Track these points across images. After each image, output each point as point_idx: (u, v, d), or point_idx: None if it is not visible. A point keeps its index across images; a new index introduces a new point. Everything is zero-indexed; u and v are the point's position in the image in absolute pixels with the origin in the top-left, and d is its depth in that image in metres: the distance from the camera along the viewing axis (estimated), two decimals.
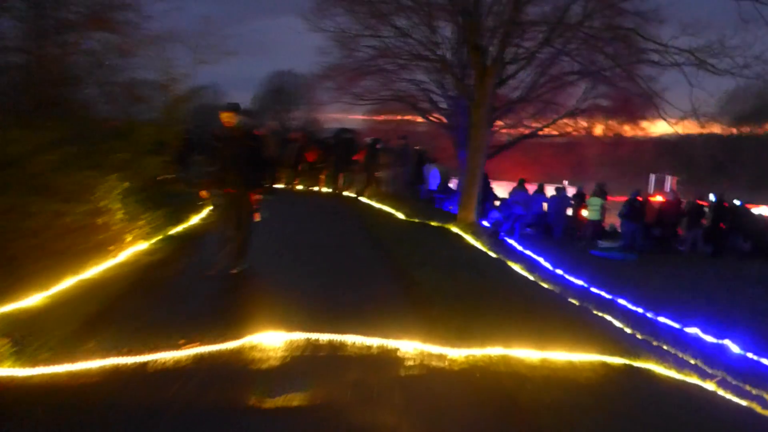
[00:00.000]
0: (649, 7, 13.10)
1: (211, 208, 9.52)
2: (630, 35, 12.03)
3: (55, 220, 6.96)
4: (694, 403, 4.13)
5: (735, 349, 6.92)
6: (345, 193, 15.99)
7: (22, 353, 4.15)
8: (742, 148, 45.80)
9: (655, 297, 9.65)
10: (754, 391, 4.78)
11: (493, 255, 9.58)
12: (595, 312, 6.99)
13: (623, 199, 18.27)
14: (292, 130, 23.02)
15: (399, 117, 23.09)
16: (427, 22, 17.43)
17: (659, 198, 18.01)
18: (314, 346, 4.61)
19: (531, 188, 17.74)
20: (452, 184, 18.79)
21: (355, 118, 25.15)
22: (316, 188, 16.55)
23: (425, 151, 19.22)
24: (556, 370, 4.26)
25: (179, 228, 9.41)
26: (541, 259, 11.12)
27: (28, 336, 4.46)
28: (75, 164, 7.86)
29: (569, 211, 17.03)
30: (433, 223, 11.70)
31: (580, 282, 9.57)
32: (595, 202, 16.32)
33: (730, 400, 4.31)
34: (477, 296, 6.39)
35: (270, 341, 4.65)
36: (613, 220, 17.61)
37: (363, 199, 15.15)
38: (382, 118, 25.10)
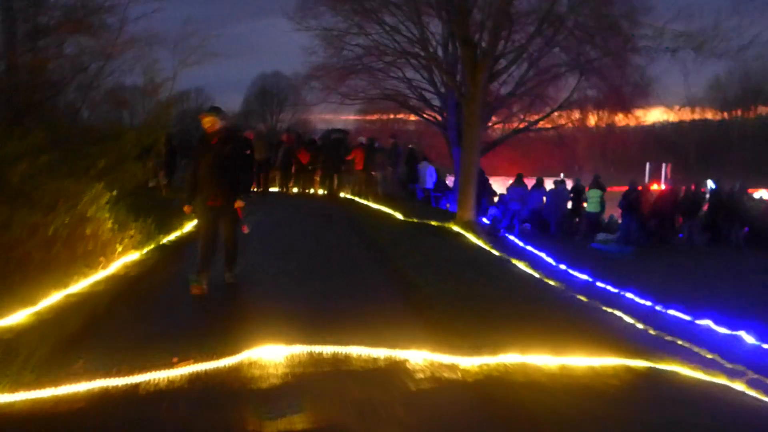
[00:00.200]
0: None
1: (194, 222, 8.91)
2: (620, 23, 11.83)
3: (37, 231, 6.65)
4: (724, 407, 3.86)
5: (750, 340, 6.70)
6: (340, 195, 15.70)
7: (3, 377, 3.85)
8: (729, 134, 46.02)
9: (660, 289, 9.40)
10: None
11: (496, 253, 9.32)
12: (604, 309, 6.72)
13: (619, 189, 18.13)
14: (283, 132, 22.69)
15: (391, 116, 22.80)
16: (414, 18, 17.21)
17: (656, 187, 17.85)
18: (317, 360, 4.32)
19: (530, 183, 17.50)
20: (449, 182, 18.57)
21: (345, 118, 24.87)
22: (311, 190, 16.26)
23: (417, 149, 18.97)
24: (577, 378, 3.98)
25: (172, 236, 9.10)
26: (543, 255, 10.92)
27: (10, 356, 4.17)
28: (58, 172, 7.55)
29: (569, 205, 16.79)
30: (432, 223, 11.43)
31: (583, 277, 9.37)
32: (594, 194, 16.11)
33: (762, 401, 4.04)
34: (483, 298, 6.12)
35: (269, 356, 4.36)
36: (611, 212, 17.43)
37: (359, 199, 14.87)
38: (373, 117, 24.87)
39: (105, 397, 3.74)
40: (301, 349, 4.45)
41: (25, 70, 9.49)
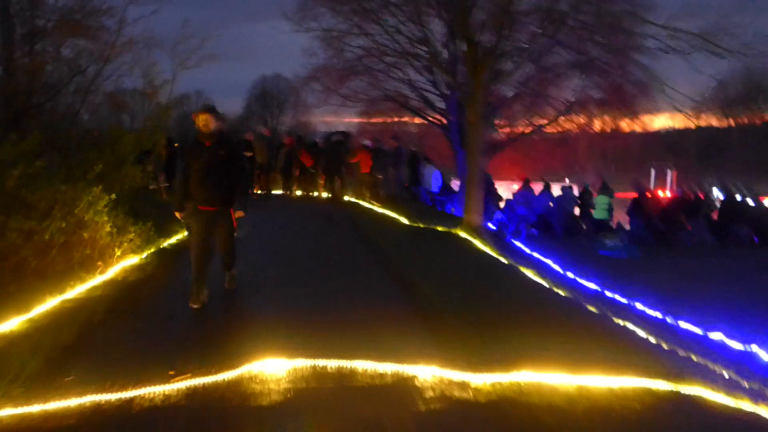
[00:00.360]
0: None
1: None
2: (623, 21, 11.61)
3: (33, 236, 6.47)
4: None
5: (764, 355, 6.49)
6: (343, 198, 15.50)
7: None
8: (731, 137, 45.77)
9: (669, 296, 9.26)
10: None
11: (504, 260, 9.10)
12: (616, 321, 6.51)
13: (625, 195, 17.94)
14: (284, 134, 22.55)
15: (395, 118, 22.55)
16: (414, 18, 17.02)
17: (661, 194, 17.65)
18: (321, 374, 4.11)
19: (536, 187, 17.30)
20: (453, 186, 18.37)
21: (346, 120, 24.66)
22: (315, 193, 16.07)
23: (419, 151, 18.77)
24: (596, 401, 3.76)
25: (172, 239, 8.91)
26: (549, 261, 10.73)
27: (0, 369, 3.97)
28: (54, 176, 7.38)
29: (576, 210, 16.58)
30: (438, 228, 11.21)
31: (592, 285, 9.17)
32: (602, 200, 15.90)
33: None
34: (493, 308, 5.91)
35: (271, 370, 4.16)
36: (619, 218, 17.22)
37: (362, 202, 14.68)
38: (374, 120, 24.66)
39: (97, 413, 3.57)
40: (304, 363, 4.25)
41: (22, 72, 9.31)
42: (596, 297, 8.24)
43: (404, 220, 12.00)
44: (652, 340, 6.04)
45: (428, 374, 4.12)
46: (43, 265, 6.50)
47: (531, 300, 6.64)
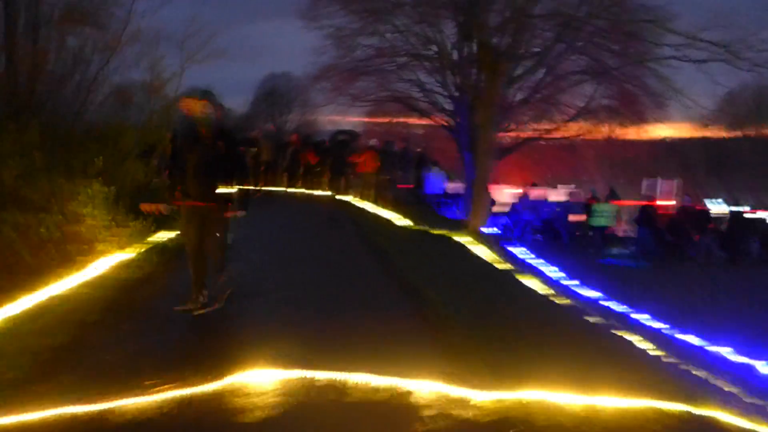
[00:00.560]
0: (657, 4, 12.38)
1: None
2: (643, 30, 11.37)
3: (28, 231, 6.33)
4: None
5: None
6: (347, 198, 15.31)
7: None
8: (740, 150, 45.31)
9: (675, 309, 9.06)
10: None
11: (509, 266, 8.90)
12: (626, 335, 6.31)
13: (629, 203, 17.69)
14: (291, 133, 22.36)
15: (404, 119, 22.33)
16: (429, 20, 16.83)
17: (667, 203, 17.37)
18: (312, 388, 3.90)
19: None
20: (455, 188, 18.14)
21: (352, 120, 24.44)
22: (318, 192, 15.89)
23: (426, 153, 18.58)
24: (605, 422, 3.55)
25: (172, 234, 8.73)
26: (555, 269, 10.52)
27: None
28: (53, 170, 7.23)
29: (583, 217, 16.33)
30: (441, 231, 11.00)
31: (598, 295, 8.97)
32: (606, 207, 15.66)
33: None
34: (501, 318, 5.74)
35: (259, 381, 3.95)
36: (624, 225, 16.99)
37: (366, 204, 14.49)
38: (380, 120, 24.48)
39: (72, 426, 3.34)
40: (295, 374, 4.04)
41: (25, 62, 9.17)
42: (603, 309, 8.05)
43: (408, 223, 11.81)
44: (662, 356, 5.86)
45: (427, 389, 3.92)
46: (37, 261, 6.35)
47: (537, 311, 6.46)
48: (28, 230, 6.29)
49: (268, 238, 9.39)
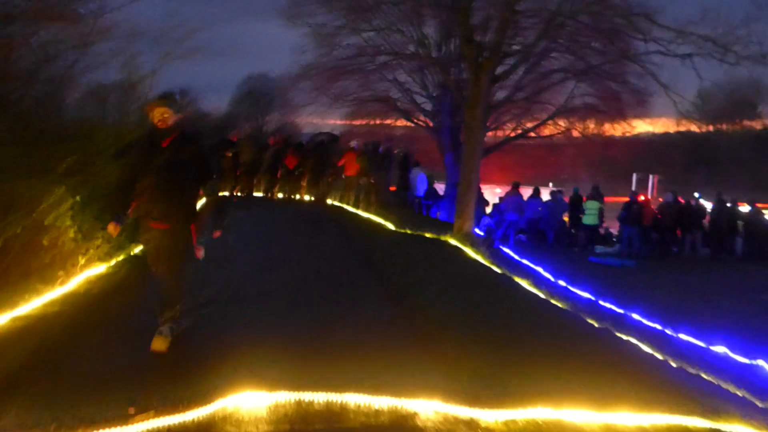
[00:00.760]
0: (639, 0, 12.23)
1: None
2: (628, 27, 11.16)
3: None
4: None
5: None
6: (328, 201, 14.92)
7: None
8: (717, 146, 45.95)
9: (667, 308, 8.90)
10: None
11: (497, 270, 8.60)
12: (628, 339, 6.04)
13: (615, 200, 17.60)
14: (270, 134, 21.88)
15: (385, 120, 22.02)
16: (410, 18, 16.54)
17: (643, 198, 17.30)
18: (307, 412, 3.54)
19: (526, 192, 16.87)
20: (440, 189, 17.89)
21: (333, 122, 24.07)
22: (297, 196, 15.47)
23: (409, 154, 18.28)
24: None
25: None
26: (540, 269, 10.30)
27: None
28: (13, 173, 6.67)
29: (565, 216, 16.18)
30: (427, 234, 10.67)
31: (586, 295, 8.77)
32: (592, 205, 15.51)
33: None
34: (496, 326, 5.40)
35: (249, 405, 3.58)
36: (608, 223, 16.88)
37: (348, 207, 14.13)
38: (361, 121, 24.13)
39: None
40: (287, 397, 3.68)
41: None
42: (592, 308, 7.83)
43: (391, 226, 11.47)
44: (668, 360, 5.61)
45: (430, 409, 3.58)
46: None
47: (534, 316, 6.14)
48: None
49: (248, 245, 8.96)
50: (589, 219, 15.60)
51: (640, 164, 33.76)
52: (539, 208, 16.26)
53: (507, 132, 19.99)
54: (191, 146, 4.59)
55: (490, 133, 20.17)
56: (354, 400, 3.65)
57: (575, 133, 19.85)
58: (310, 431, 3.34)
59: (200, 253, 4.75)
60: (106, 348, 4.62)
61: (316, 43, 18.31)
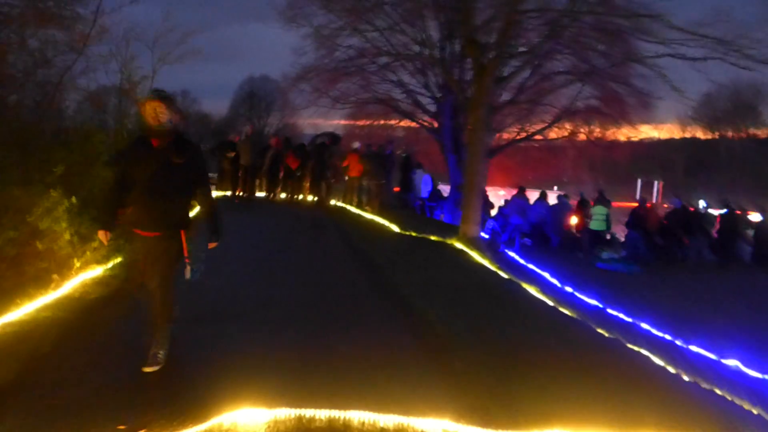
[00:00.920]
0: (645, 1, 12.03)
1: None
2: (638, 28, 10.96)
3: None
4: None
5: None
6: (330, 203, 14.73)
7: None
8: (718, 151, 45.73)
9: (676, 317, 8.70)
10: None
11: (504, 275, 8.41)
12: (639, 351, 5.85)
13: (620, 205, 17.40)
14: (271, 135, 21.70)
15: (384, 121, 21.86)
16: (412, 19, 16.39)
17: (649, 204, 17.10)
18: (308, 429, 3.35)
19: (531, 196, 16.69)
20: (444, 191, 17.71)
21: (335, 123, 23.90)
22: (300, 197, 15.30)
23: (412, 156, 18.10)
24: None
25: None
26: (546, 274, 10.12)
27: None
28: (7, 177, 6.53)
29: (573, 220, 15.94)
30: (432, 237, 10.47)
31: (594, 302, 8.59)
32: (600, 211, 15.28)
33: None
34: (506, 337, 5.20)
35: (247, 422, 3.40)
36: (615, 228, 16.65)
37: (350, 209, 13.95)
38: (362, 122, 23.98)
39: None
40: (287, 413, 3.50)
41: None
42: (602, 316, 7.65)
43: (395, 228, 11.27)
44: (686, 378, 5.41)
45: (440, 429, 3.39)
46: None
47: (544, 326, 5.95)
48: None
49: (248, 248, 8.78)
50: (596, 224, 15.36)
51: (642, 168, 33.60)
52: (544, 212, 16.06)
53: (509, 134, 19.81)
54: (187, 149, 4.20)
55: (498, 134, 20.02)
56: (358, 417, 3.46)
57: (580, 137, 19.67)
58: None
59: (188, 273, 4.34)
60: (98, 359, 4.41)
61: (316, 45, 18.20)
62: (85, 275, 6.49)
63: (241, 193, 14.91)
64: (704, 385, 5.37)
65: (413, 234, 10.81)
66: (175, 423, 3.33)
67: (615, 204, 17.21)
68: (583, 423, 3.44)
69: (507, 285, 7.93)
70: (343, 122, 24.11)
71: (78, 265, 6.62)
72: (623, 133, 20.02)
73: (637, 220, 15.03)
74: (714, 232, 15.65)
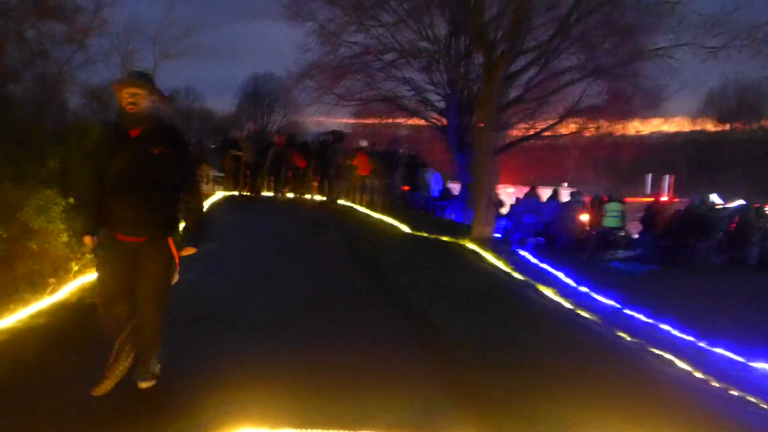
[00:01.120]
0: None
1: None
2: (657, 18, 10.66)
3: None
4: None
5: None
6: (337, 202, 14.42)
7: None
8: (728, 144, 45.23)
9: (697, 316, 8.36)
10: None
11: (520, 277, 8.08)
12: (660, 352, 5.55)
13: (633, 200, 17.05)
14: (274, 133, 21.40)
15: (389, 120, 21.58)
16: (415, 16, 16.12)
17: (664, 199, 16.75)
18: None
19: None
20: (453, 189, 17.41)
21: (339, 121, 23.62)
22: (307, 196, 15.00)
23: (418, 155, 17.79)
24: None
25: None
26: (560, 275, 9.80)
27: None
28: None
29: (585, 218, 15.58)
30: (444, 238, 10.13)
31: (612, 303, 8.28)
32: (615, 207, 14.89)
33: None
34: (522, 347, 4.89)
35: None
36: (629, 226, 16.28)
37: (357, 208, 13.65)
38: (367, 121, 23.71)
39: None
40: None
41: None
42: (621, 318, 7.34)
43: (406, 229, 10.94)
44: (716, 384, 5.09)
45: None
46: None
47: (564, 334, 5.65)
48: None
49: (249, 249, 8.47)
50: (611, 221, 14.97)
51: (647, 165, 33.21)
52: (557, 210, 15.72)
53: (515, 132, 19.53)
54: (169, 139, 3.63)
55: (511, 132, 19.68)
56: None
57: (587, 134, 19.36)
58: None
59: (175, 277, 3.81)
60: (92, 372, 4.05)
61: (320, 41, 17.95)
62: (84, 279, 6.18)
63: (246, 192, 14.65)
64: (734, 392, 5.07)
65: (425, 234, 10.47)
66: None
67: (628, 199, 16.85)
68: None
69: (522, 287, 7.61)
70: (347, 120, 23.88)
71: (76, 268, 6.32)
72: (634, 127, 19.79)
73: (651, 216, 14.67)
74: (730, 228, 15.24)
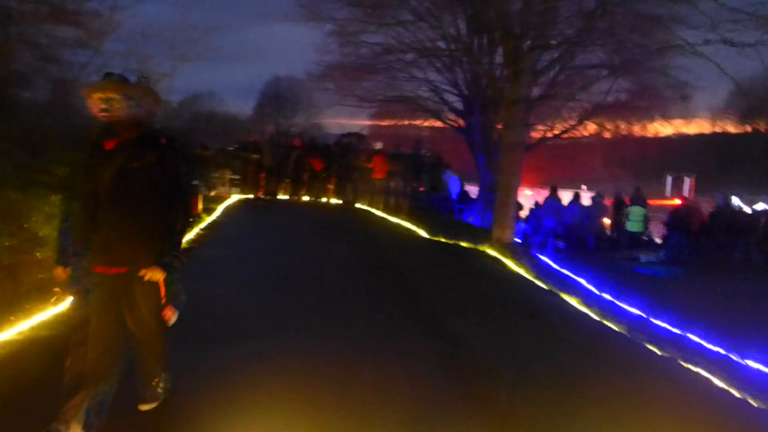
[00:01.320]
0: None
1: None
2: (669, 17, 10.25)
3: None
4: None
5: None
6: (356, 206, 14.21)
7: None
8: (751, 144, 43.88)
9: (728, 326, 7.97)
10: None
11: (543, 285, 7.77)
12: (693, 368, 5.23)
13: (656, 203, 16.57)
14: (295, 136, 21.29)
15: (411, 121, 21.35)
16: (435, 14, 15.82)
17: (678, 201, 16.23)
18: None
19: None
20: (472, 192, 17.09)
21: (360, 123, 23.48)
22: (324, 199, 14.83)
23: (440, 156, 17.51)
24: None
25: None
26: (582, 281, 9.47)
27: None
28: (7, 182, 6.11)
29: (607, 221, 15.20)
30: (463, 244, 9.84)
31: (637, 312, 7.94)
32: (638, 212, 14.48)
33: None
34: (550, 363, 4.60)
35: None
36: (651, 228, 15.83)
37: (376, 211, 13.42)
38: (388, 122, 23.51)
39: None
40: None
41: None
42: (657, 334, 6.98)
43: (423, 233, 10.67)
44: (754, 404, 4.76)
45: None
46: None
47: (592, 347, 5.35)
48: None
49: (265, 254, 8.29)
50: (634, 226, 14.58)
51: (672, 164, 32.42)
52: (579, 214, 15.33)
53: (538, 132, 19.10)
54: (153, 151, 3.12)
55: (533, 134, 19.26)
56: None
57: (611, 134, 18.88)
58: None
59: (171, 314, 3.45)
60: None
61: (339, 42, 17.73)
62: None
63: (263, 195, 14.53)
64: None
65: (443, 240, 10.18)
66: None
67: (650, 201, 16.39)
68: None
69: (546, 297, 7.30)
70: (368, 122, 23.72)
71: None
72: (654, 127, 19.24)
73: (678, 220, 14.18)
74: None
